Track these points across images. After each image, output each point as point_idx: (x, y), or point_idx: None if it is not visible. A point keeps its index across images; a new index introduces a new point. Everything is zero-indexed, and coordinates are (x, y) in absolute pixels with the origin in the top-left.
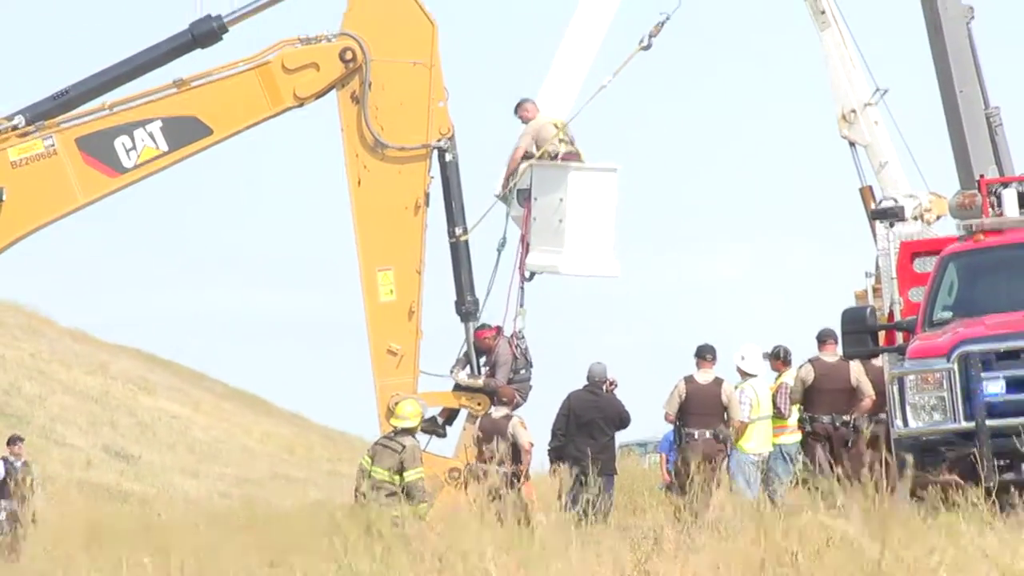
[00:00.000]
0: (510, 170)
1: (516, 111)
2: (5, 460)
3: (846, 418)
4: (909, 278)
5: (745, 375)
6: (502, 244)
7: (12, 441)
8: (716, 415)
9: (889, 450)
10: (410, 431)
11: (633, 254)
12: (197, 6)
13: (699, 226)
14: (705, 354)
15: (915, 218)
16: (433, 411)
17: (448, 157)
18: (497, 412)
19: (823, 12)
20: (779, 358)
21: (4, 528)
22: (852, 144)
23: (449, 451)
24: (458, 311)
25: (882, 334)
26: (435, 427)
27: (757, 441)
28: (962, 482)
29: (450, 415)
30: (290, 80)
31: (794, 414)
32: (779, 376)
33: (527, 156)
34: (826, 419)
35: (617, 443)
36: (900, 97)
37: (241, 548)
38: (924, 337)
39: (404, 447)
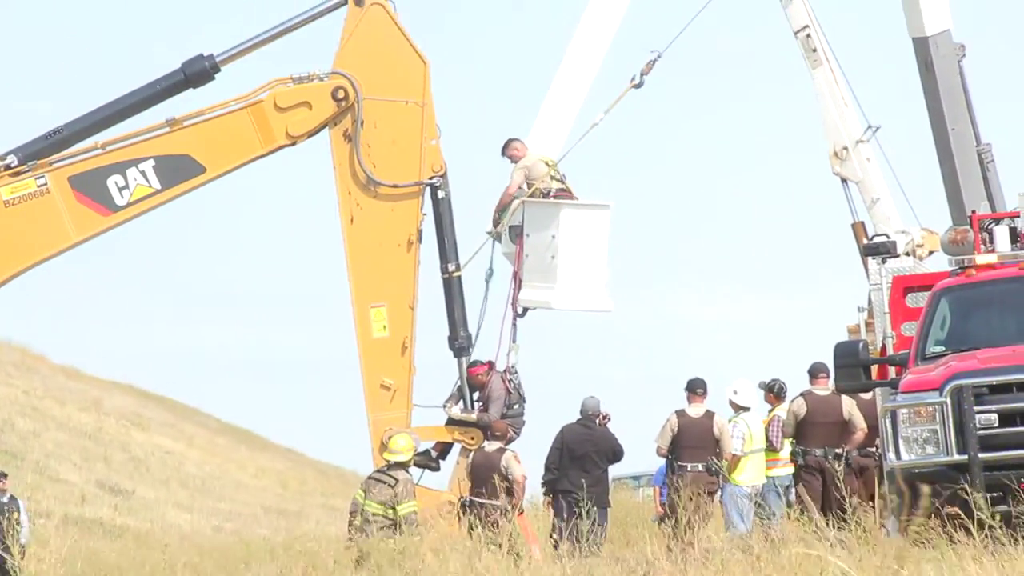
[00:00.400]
0: (501, 205)
1: (504, 151)
2: None
3: (838, 451)
4: (902, 313)
5: (738, 408)
6: (490, 274)
7: None
8: (708, 448)
9: (881, 483)
10: (403, 465)
11: (626, 289)
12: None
13: (692, 262)
14: (696, 388)
15: (907, 254)
16: (427, 445)
17: (441, 194)
18: (490, 446)
19: (815, 51)
20: (772, 391)
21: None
22: (844, 181)
23: (443, 485)
24: (451, 346)
25: (875, 368)
26: (429, 461)
27: (750, 474)
28: (959, 515)
29: (444, 449)
30: (282, 119)
31: (786, 447)
32: (772, 410)
33: (519, 193)
34: (819, 452)
35: (611, 476)
36: (892, 134)
37: None
38: (917, 371)
39: (397, 481)
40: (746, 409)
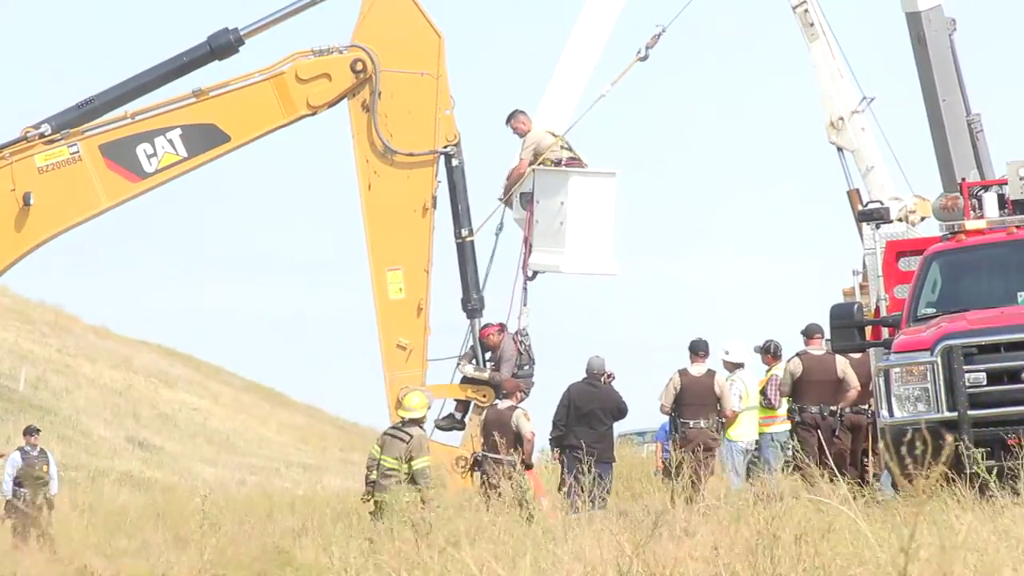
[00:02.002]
0: (512, 180)
1: (508, 122)
2: (22, 450)
3: (833, 408)
4: (894, 276)
5: (732, 366)
6: (499, 228)
7: (28, 432)
8: (710, 406)
9: (874, 439)
10: (417, 421)
11: (631, 254)
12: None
13: (694, 228)
14: (698, 349)
15: (900, 219)
16: (447, 408)
17: (454, 162)
18: (502, 404)
19: (812, 25)
20: (769, 352)
21: (25, 514)
22: (840, 149)
23: (457, 441)
24: (464, 308)
25: (869, 329)
26: (455, 423)
27: (744, 430)
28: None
29: (466, 408)
30: (303, 90)
31: (784, 404)
32: (769, 369)
33: (530, 165)
34: (814, 409)
35: (616, 433)
36: (886, 105)
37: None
38: (909, 332)
39: (411, 436)
40: (740, 366)
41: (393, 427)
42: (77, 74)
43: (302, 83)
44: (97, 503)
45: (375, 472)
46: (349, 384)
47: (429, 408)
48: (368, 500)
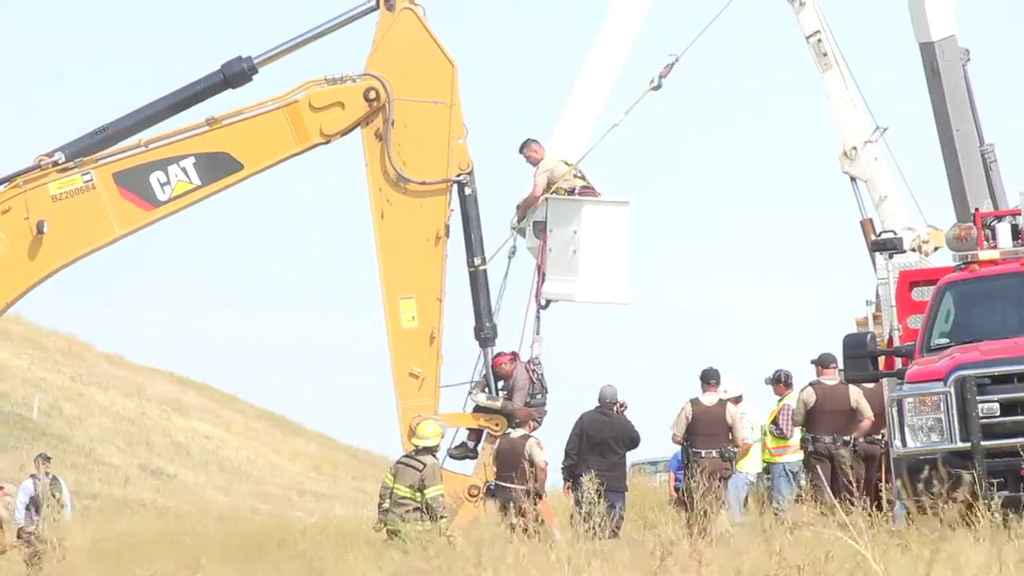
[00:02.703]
0: (526, 207)
1: (522, 151)
2: (34, 477)
3: (846, 438)
4: (908, 306)
5: (735, 401)
6: (512, 253)
7: (40, 459)
8: (721, 435)
9: (888, 469)
10: (431, 450)
11: (644, 283)
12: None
13: (707, 257)
14: (709, 378)
15: (913, 249)
16: (459, 436)
17: (467, 191)
18: (515, 433)
19: (825, 55)
20: (780, 381)
21: (35, 540)
22: (853, 179)
23: (469, 469)
24: (477, 337)
25: (882, 359)
26: (467, 452)
27: (752, 461)
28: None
29: (479, 437)
30: (317, 118)
31: (796, 434)
32: (781, 399)
33: (543, 193)
34: (827, 439)
35: (628, 462)
36: (899, 135)
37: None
38: (922, 362)
39: (425, 465)
40: (739, 399)
41: (406, 456)
42: (91, 103)
43: (315, 112)
44: (110, 531)
45: (388, 501)
46: (362, 412)
47: (443, 437)
48: (381, 529)
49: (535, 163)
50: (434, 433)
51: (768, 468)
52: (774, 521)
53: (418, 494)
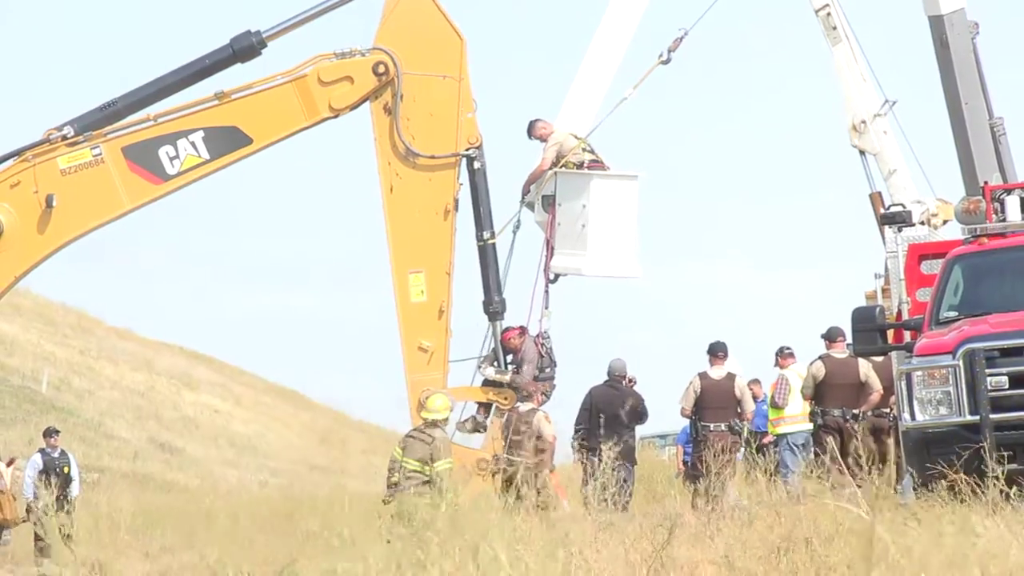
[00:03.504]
0: (533, 179)
1: (530, 132)
2: (43, 451)
3: (855, 412)
4: (916, 279)
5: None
6: (517, 226)
7: (48, 433)
8: (730, 409)
9: (896, 442)
10: (440, 423)
11: (653, 257)
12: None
13: (716, 231)
14: (717, 351)
15: (922, 223)
16: (469, 411)
17: (476, 165)
18: (523, 406)
19: (835, 28)
20: (782, 354)
21: (48, 514)
22: (862, 153)
23: (477, 443)
24: (486, 310)
25: (891, 332)
26: (478, 425)
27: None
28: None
29: (488, 410)
30: (326, 92)
31: (795, 404)
32: (783, 370)
33: (553, 166)
34: (836, 413)
35: (637, 436)
36: (908, 108)
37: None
38: (931, 335)
39: (434, 439)
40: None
41: (415, 429)
42: (100, 77)
43: (324, 86)
44: (118, 504)
45: (397, 474)
46: (371, 386)
47: (452, 410)
48: (390, 502)
49: (544, 140)
50: (444, 407)
51: (776, 441)
52: (783, 494)
53: (427, 468)
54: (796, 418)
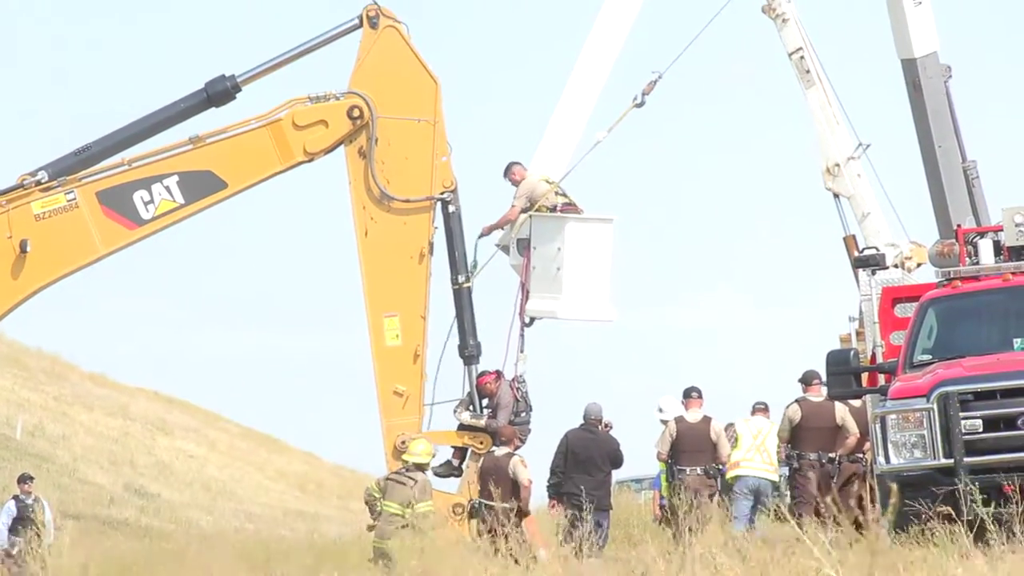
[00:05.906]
0: (499, 224)
1: (505, 174)
2: (16, 498)
3: (832, 455)
4: (890, 322)
5: (663, 422)
6: (474, 265)
7: (22, 480)
8: (706, 452)
9: (871, 486)
10: (421, 467)
11: (628, 300)
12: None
13: (690, 274)
14: (692, 394)
15: (896, 265)
16: (446, 455)
17: (451, 208)
18: (499, 451)
19: (808, 72)
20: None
21: (21, 563)
22: (836, 196)
23: (454, 488)
24: (461, 354)
25: (865, 375)
26: (452, 469)
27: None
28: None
29: (463, 455)
30: (300, 136)
31: (738, 452)
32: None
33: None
34: (812, 456)
35: (613, 480)
36: (882, 151)
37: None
38: (905, 378)
39: (416, 482)
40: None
41: (396, 472)
42: (74, 123)
43: (299, 130)
44: (94, 551)
45: (378, 517)
46: (346, 431)
47: (434, 456)
48: (374, 527)
49: (517, 184)
50: (426, 451)
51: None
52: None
53: (408, 510)
54: (743, 463)
